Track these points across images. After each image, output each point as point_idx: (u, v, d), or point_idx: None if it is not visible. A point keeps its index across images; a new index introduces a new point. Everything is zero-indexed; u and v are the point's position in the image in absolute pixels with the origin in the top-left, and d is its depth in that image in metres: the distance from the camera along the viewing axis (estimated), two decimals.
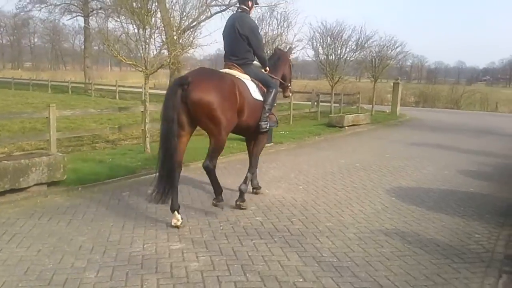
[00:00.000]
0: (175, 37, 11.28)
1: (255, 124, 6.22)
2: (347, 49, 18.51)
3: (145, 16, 9.47)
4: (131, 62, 9.99)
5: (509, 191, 7.86)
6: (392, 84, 37.48)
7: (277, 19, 14.46)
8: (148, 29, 9.74)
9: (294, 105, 18.58)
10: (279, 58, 7.09)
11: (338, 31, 18.24)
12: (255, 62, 6.43)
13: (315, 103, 20.87)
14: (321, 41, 18.10)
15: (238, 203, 6.26)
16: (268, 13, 14.26)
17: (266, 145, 10.63)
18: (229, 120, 5.61)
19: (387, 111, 24.05)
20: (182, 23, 11.27)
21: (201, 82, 5.38)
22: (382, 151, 11.83)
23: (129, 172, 8.18)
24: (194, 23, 14.05)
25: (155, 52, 10.38)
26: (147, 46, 9.65)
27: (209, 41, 39.19)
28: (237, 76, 5.98)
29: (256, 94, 6.14)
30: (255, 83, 6.17)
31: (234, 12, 6.75)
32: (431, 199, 7.17)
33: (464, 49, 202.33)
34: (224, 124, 5.54)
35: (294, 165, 9.67)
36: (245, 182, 6.41)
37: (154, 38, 10.32)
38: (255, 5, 6.59)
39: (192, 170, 8.78)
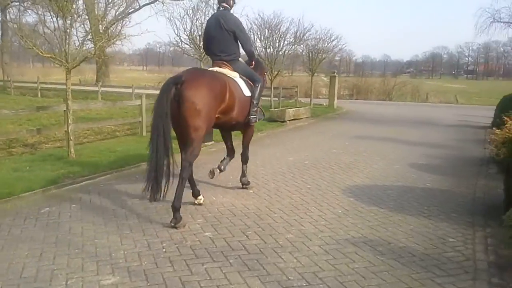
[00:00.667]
0: (100, 27, 10.07)
1: (244, 119, 6.34)
2: (285, 42, 17.97)
3: (64, 3, 8.23)
4: (49, 55, 8.68)
5: (467, 186, 7.54)
6: (324, 77, 37.95)
7: (213, 9, 13.47)
8: (69, 18, 8.50)
9: None
10: (259, 66, 7.23)
11: (276, 23, 17.65)
12: (240, 58, 6.54)
13: None
14: (259, 33, 17.40)
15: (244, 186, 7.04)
16: (204, 3, 13.29)
17: (206, 143, 9.66)
18: (211, 121, 5.58)
19: (324, 104, 23.87)
20: (107, 12, 10.08)
21: (194, 81, 5.32)
22: (329, 146, 11.33)
23: (49, 182, 6.98)
24: (122, 15, 12.82)
25: (77, 44, 9.14)
26: (67, 37, 8.42)
27: (138, 32, 37.32)
28: (228, 75, 6.03)
29: (246, 91, 6.23)
30: (243, 80, 6.28)
31: (215, 11, 6.87)
32: (391, 198, 6.65)
33: (389, 43, 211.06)
34: (206, 123, 5.43)
35: (240, 165, 8.85)
36: (244, 175, 7.09)
37: (76, 28, 9.10)
38: (234, 4, 6.59)
39: (125, 176, 7.74)
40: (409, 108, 24.81)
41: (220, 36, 6.16)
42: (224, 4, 6.34)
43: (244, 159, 7.13)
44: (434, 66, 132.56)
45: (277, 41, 17.59)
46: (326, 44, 20.76)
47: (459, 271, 4.18)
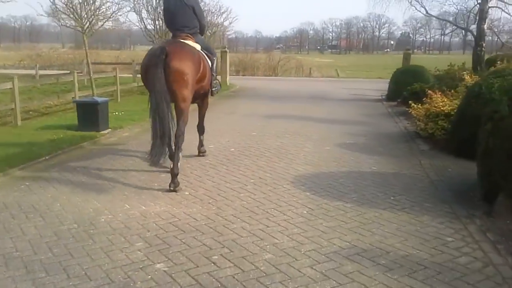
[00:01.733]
0: None
1: (208, 89, 6.95)
2: None
3: None
4: None
5: (413, 166, 7.08)
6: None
7: None
8: None
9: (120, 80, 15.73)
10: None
11: None
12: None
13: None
14: (145, 3, 15.49)
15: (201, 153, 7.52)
16: None
17: (102, 132, 9.26)
18: (193, 91, 6.10)
19: None
20: None
21: (178, 51, 5.84)
22: (245, 129, 10.30)
23: None
24: None
25: None
26: None
27: None
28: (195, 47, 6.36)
29: (209, 62, 6.72)
30: (205, 52, 6.68)
31: None
32: (348, 189, 5.88)
33: (261, 19, 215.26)
34: (191, 93, 6.01)
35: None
36: (202, 144, 7.67)
37: None
38: None
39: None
40: (297, 83, 24.74)
41: (182, 11, 6.51)
42: None
43: (201, 130, 7.61)
44: (301, 41, 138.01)
45: None
46: (215, 18, 19.49)
47: (489, 284, 3.48)
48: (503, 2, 14.14)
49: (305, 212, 5.03)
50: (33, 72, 22.05)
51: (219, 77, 8.74)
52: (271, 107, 14.04)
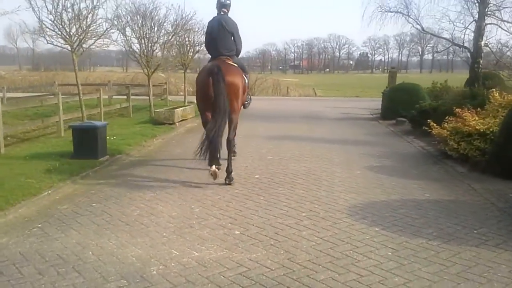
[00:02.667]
0: None
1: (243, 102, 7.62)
2: (162, 32, 15.39)
3: None
4: None
5: (466, 192, 6.47)
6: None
7: None
8: None
9: (107, 102, 14.67)
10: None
11: (151, 9, 14.95)
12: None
13: (125, 97, 17.21)
14: (131, 21, 14.48)
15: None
16: None
17: (101, 159, 8.42)
18: (242, 101, 7.30)
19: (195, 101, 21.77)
20: None
21: (229, 69, 6.90)
22: (257, 152, 9.51)
23: None
24: None
25: None
26: None
27: None
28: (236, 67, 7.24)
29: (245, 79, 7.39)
30: (243, 73, 7.43)
31: (216, 15, 7.57)
32: (418, 222, 5.19)
33: None
34: (239, 107, 7.17)
35: (181, 193, 6.55)
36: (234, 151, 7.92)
37: None
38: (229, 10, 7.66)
39: None
40: (281, 102, 24.16)
41: (223, 37, 7.37)
42: (224, 9, 7.56)
43: (232, 146, 7.45)
44: (264, 61, 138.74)
45: (154, 30, 14.93)
46: (199, 37, 18.61)
47: None
48: (501, 19, 14.08)
49: (390, 253, 4.28)
50: None
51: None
52: (269, 128, 13.31)
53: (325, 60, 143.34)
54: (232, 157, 7.25)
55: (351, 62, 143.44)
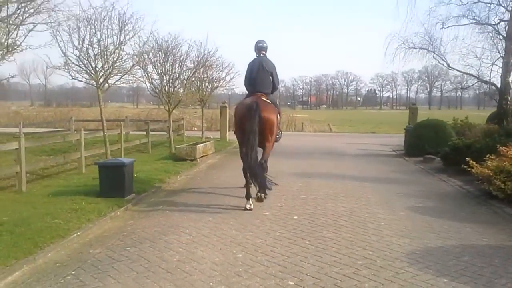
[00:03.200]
0: None
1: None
2: (184, 68, 15.24)
3: None
4: None
5: None
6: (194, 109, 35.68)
7: (118, 22, 10.08)
8: None
9: (124, 137, 14.41)
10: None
11: (173, 46, 14.86)
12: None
13: (145, 132, 16.99)
14: (153, 58, 14.37)
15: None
16: (106, 11, 9.82)
17: (127, 198, 8.09)
18: (276, 133, 8.02)
19: (212, 137, 21.43)
20: None
21: (265, 106, 7.64)
22: (288, 190, 9.10)
23: None
24: None
25: None
26: None
27: None
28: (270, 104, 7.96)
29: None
30: (277, 110, 8.16)
31: (256, 57, 8.37)
32: (487, 271, 4.73)
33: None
34: (273, 141, 8.00)
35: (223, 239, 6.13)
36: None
37: None
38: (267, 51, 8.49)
39: None
40: (298, 138, 23.76)
41: (263, 75, 8.16)
42: (263, 52, 8.41)
43: (265, 182, 7.57)
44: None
45: (176, 66, 14.80)
46: (218, 72, 18.50)
47: None
48: None
49: None
50: (16, 130, 20.32)
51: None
52: (293, 165, 12.91)
53: (333, 96, 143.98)
54: (265, 195, 7.76)
55: (359, 98, 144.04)
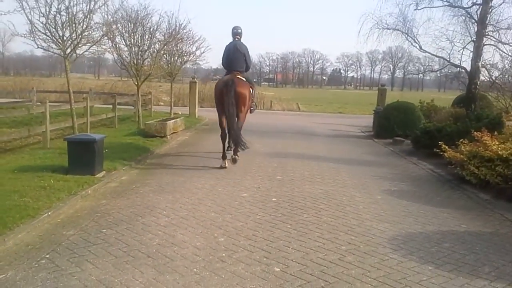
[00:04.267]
0: None
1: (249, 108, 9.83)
2: (154, 40, 14.70)
3: None
4: None
5: (504, 223, 6.11)
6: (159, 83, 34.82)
7: None
8: None
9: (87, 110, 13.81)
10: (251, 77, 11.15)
11: (143, 16, 14.26)
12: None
13: (111, 106, 16.42)
14: (121, 28, 13.74)
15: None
16: None
17: (97, 176, 7.81)
18: (248, 106, 9.56)
19: (180, 113, 20.98)
20: None
21: (241, 83, 9.14)
22: (263, 171, 8.98)
23: None
24: None
25: None
26: None
27: None
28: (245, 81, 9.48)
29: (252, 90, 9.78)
30: (251, 85, 9.75)
31: (232, 40, 9.78)
32: (469, 258, 4.78)
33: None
34: (246, 112, 9.50)
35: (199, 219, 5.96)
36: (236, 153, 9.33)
37: None
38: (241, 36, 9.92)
39: None
40: (267, 116, 23.46)
41: (238, 56, 9.54)
42: (238, 36, 9.76)
43: (240, 143, 9.01)
44: None
45: (145, 38, 14.25)
46: (188, 46, 17.96)
47: None
48: (499, 41, 14.06)
49: None
50: None
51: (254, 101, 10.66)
52: (266, 144, 12.79)
53: (299, 75, 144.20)
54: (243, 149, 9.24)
55: (324, 77, 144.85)
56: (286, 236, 5.24)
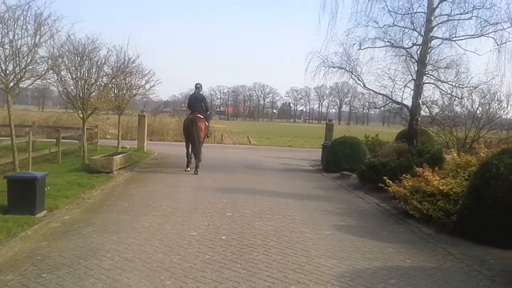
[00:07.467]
0: None
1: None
2: (101, 73, 14.44)
3: None
4: None
5: (446, 258, 6.31)
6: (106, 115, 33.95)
7: (34, 23, 9.21)
8: None
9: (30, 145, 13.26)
10: (210, 115, 16.66)
11: (90, 50, 14.02)
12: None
13: (55, 140, 15.84)
14: (68, 62, 13.42)
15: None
16: (21, 10, 8.90)
17: (38, 216, 7.48)
18: (204, 136, 14.57)
19: (128, 147, 20.55)
20: None
21: (199, 120, 13.99)
22: (213, 207, 8.88)
23: None
24: None
25: None
26: None
27: None
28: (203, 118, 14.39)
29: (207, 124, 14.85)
30: (206, 120, 14.76)
31: (194, 91, 14.91)
32: None
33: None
34: (203, 138, 14.49)
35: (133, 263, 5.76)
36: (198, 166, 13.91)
37: None
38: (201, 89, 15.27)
39: None
40: (217, 150, 23.40)
41: (197, 103, 14.56)
42: (198, 89, 14.84)
43: (199, 159, 13.87)
44: None
45: (92, 72, 13.98)
46: (137, 80, 17.77)
47: None
48: (438, 79, 14.86)
49: None
50: None
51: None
52: (217, 179, 12.71)
53: (250, 108, 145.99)
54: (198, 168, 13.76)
55: (274, 110, 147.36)
56: (235, 276, 5.17)
